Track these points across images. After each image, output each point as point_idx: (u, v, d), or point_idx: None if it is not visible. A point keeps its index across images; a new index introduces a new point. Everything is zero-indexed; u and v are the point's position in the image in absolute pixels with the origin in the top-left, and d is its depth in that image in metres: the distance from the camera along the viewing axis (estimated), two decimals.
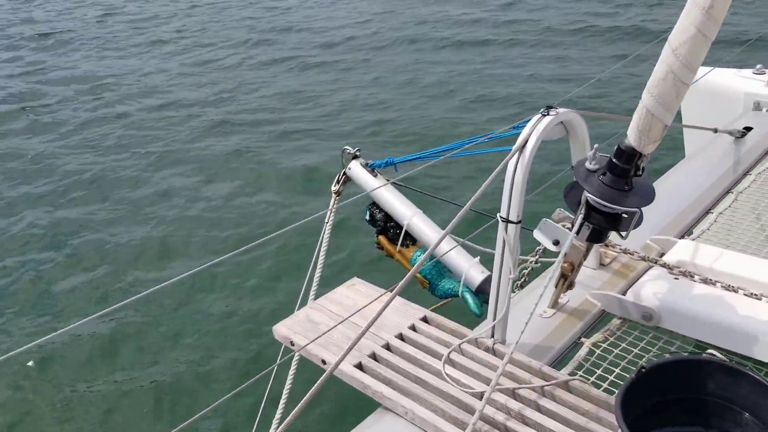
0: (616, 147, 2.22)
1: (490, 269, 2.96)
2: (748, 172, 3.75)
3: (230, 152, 9.18)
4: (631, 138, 2.16)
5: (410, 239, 3.12)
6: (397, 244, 3.11)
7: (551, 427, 2.07)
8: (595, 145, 2.27)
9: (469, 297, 2.92)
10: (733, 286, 2.59)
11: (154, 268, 6.62)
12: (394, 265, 3.20)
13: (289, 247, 6.37)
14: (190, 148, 9.44)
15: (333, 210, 3.12)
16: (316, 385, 2.01)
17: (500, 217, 2.32)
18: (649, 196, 2.24)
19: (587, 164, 2.28)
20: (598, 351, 2.51)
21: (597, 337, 2.59)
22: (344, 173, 3.16)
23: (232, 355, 5.27)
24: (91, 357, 5.47)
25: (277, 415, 2.90)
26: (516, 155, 2.27)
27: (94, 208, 7.97)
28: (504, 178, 2.28)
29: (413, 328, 2.57)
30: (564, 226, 3.04)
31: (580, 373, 2.41)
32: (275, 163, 8.72)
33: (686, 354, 2.47)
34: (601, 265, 2.94)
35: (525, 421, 2.12)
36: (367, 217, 3.20)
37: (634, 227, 2.30)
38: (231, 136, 9.76)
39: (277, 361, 2.76)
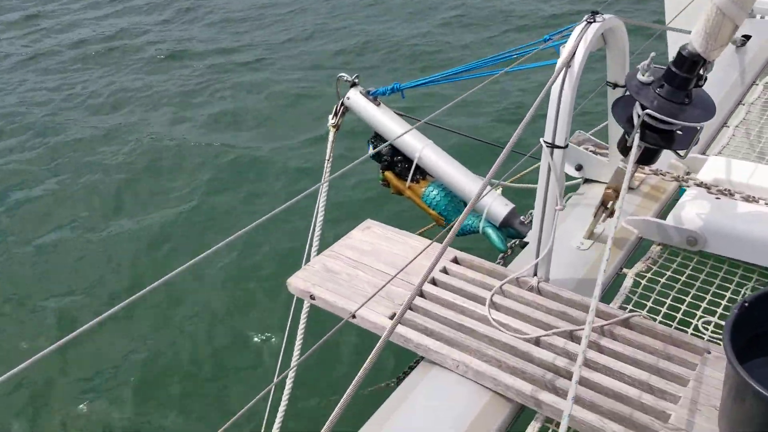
0: (676, 53, 1.97)
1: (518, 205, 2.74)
2: (755, 82, 3.58)
3: (190, 86, 8.52)
4: (696, 42, 1.90)
5: (420, 173, 2.84)
6: (405, 180, 2.82)
7: (621, 370, 1.88)
8: (651, 54, 2.01)
9: (492, 232, 2.68)
10: None
11: (109, 217, 6.13)
12: (401, 203, 2.92)
13: (284, 191, 5.95)
14: (149, 83, 8.71)
15: (332, 144, 2.80)
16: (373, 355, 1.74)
17: (544, 141, 2.05)
18: (711, 109, 2.01)
19: (640, 76, 2.02)
20: (643, 282, 2.32)
21: (639, 266, 2.40)
22: (342, 104, 2.82)
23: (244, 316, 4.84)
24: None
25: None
26: (562, 72, 1.99)
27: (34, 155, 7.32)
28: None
29: (445, 271, 2.32)
30: (586, 149, 2.82)
31: (630, 306, 2.22)
32: (250, 93, 8.12)
33: (739, 280, 2.31)
34: (630, 188, 2.73)
35: (590, 365, 1.92)
36: (371, 152, 2.88)
37: (694, 144, 2.08)
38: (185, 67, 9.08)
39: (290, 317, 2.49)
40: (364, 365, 1.52)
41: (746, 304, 1.60)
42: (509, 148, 1.82)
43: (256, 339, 4.44)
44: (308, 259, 2.53)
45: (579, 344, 1.98)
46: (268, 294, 4.69)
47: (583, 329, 2.00)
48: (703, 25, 1.87)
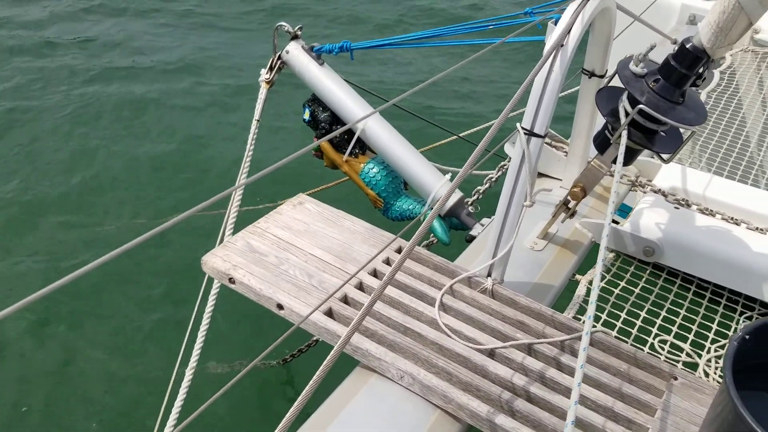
0: (677, 47, 1.76)
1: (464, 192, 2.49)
2: (698, 90, 3.52)
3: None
4: (704, 36, 1.70)
5: (360, 147, 2.52)
6: (343, 153, 2.49)
7: (587, 394, 1.67)
8: (652, 43, 1.79)
9: (436, 222, 2.41)
10: (735, 219, 2.31)
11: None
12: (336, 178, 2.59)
13: (207, 151, 5.29)
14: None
15: (263, 103, 2.41)
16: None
17: (522, 127, 1.80)
18: (702, 113, 1.83)
19: (633, 66, 1.80)
20: (597, 291, 2.14)
21: (592, 273, 2.21)
22: (279, 57, 2.44)
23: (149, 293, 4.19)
24: None
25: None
26: (555, 51, 1.73)
27: None
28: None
29: (388, 262, 2.03)
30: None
31: (584, 317, 2.03)
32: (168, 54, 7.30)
33: (693, 297, 2.18)
34: None
35: (548, 384, 1.70)
36: (307, 117, 2.53)
37: (680, 150, 1.90)
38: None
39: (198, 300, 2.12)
40: (316, 376, 1.22)
41: (746, 336, 1.42)
42: (486, 143, 1.54)
43: (159, 325, 3.91)
44: (224, 236, 2.17)
45: (539, 359, 1.77)
46: (178, 270, 4.17)
47: (542, 342, 1.79)
48: (717, 18, 1.67)
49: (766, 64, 3.81)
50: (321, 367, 1.25)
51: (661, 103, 1.77)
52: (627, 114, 1.81)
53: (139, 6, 8.32)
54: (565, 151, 2.59)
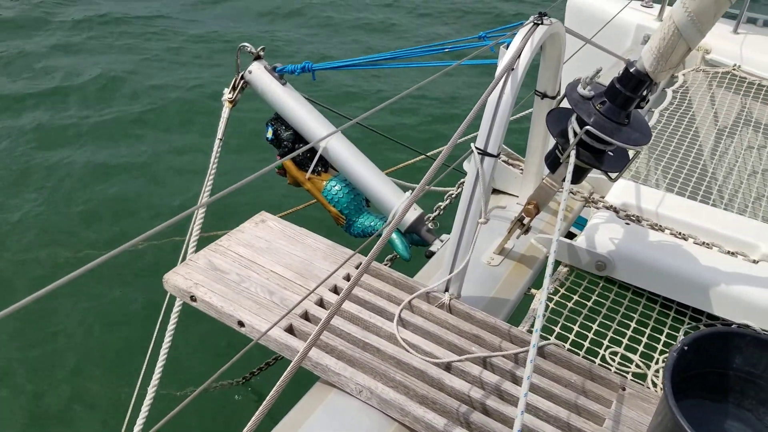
0: (622, 71, 1.85)
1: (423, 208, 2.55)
2: (650, 108, 3.64)
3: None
4: (646, 61, 1.79)
5: (322, 165, 2.57)
6: (306, 171, 2.54)
7: (536, 404, 1.73)
8: (598, 67, 1.88)
9: (396, 238, 2.47)
10: (682, 234, 2.40)
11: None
12: (301, 196, 2.63)
13: (169, 170, 5.24)
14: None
15: (226, 122, 2.45)
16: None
17: (476, 147, 1.87)
18: (647, 133, 1.92)
19: (581, 89, 1.89)
20: (551, 305, 2.21)
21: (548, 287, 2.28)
22: (242, 77, 2.48)
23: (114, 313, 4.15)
24: None
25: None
26: (506, 74, 1.80)
27: None
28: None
29: (348, 278, 2.07)
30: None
31: (539, 331, 2.09)
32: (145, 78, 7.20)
33: (643, 310, 2.26)
34: None
35: (503, 396, 1.76)
36: (269, 136, 2.57)
37: (627, 169, 1.98)
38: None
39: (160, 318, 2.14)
40: (273, 391, 1.26)
41: (685, 348, 1.50)
42: (441, 160, 1.60)
43: (120, 346, 3.88)
44: (186, 254, 2.19)
45: (494, 372, 1.82)
46: (142, 288, 4.14)
47: (497, 356, 1.85)
48: (658, 44, 1.76)
49: (717, 83, 3.96)
50: (278, 383, 1.28)
51: (607, 125, 1.85)
52: (575, 134, 1.89)
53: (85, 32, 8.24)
54: (521, 169, 2.67)
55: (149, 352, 2.50)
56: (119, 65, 7.07)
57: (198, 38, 7.76)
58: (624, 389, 1.80)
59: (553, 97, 2.28)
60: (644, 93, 1.85)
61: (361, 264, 2.13)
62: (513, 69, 1.83)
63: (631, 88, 1.83)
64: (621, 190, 2.60)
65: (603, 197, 2.60)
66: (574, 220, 2.66)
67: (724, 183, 3.11)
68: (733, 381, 1.62)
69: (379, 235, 2.55)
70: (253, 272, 2.02)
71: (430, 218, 2.68)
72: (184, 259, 2.19)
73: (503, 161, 2.68)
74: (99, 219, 4.85)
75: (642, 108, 1.90)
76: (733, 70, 4.03)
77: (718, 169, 3.17)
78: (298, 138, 2.53)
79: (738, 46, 4.17)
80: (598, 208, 2.53)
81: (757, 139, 3.57)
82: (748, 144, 3.54)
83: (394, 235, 2.48)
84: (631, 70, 1.82)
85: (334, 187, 2.53)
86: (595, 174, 2.72)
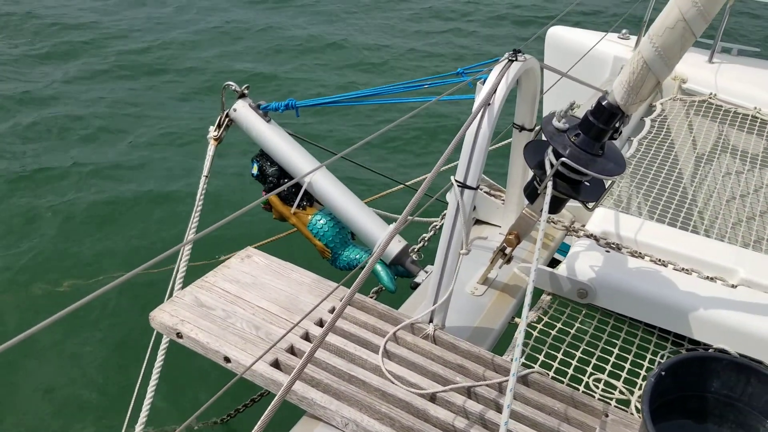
0: (594, 104, 1.91)
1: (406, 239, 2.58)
2: (629, 138, 3.72)
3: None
4: (618, 94, 1.86)
5: (307, 199, 2.60)
6: (291, 205, 2.57)
7: None
8: (572, 101, 1.94)
9: (381, 270, 2.50)
10: (662, 260, 2.45)
11: None
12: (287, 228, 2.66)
13: (154, 207, 5.29)
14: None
15: (212, 159, 2.49)
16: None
17: (456, 180, 1.91)
18: (622, 163, 1.97)
19: (556, 122, 1.94)
20: (534, 333, 2.24)
21: (531, 316, 2.32)
22: (227, 115, 2.53)
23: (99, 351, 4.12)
24: None
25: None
26: (482, 110, 1.86)
27: None
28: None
29: (333, 311, 2.09)
30: (481, 189, 2.73)
31: (523, 359, 2.12)
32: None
33: (625, 336, 2.29)
34: None
35: (487, 425, 1.78)
36: (255, 172, 2.61)
37: (603, 198, 2.03)
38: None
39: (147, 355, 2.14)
40: (257, 426, 1.28)
41: (662, 373, 1.53)
42: (422, 191, 1.65)
43: (108, 383, 3.86)
44: (173, 291, 2.21)
45: (478, 402, 1.84)
46: (127, 325, 4.13)
47: (481, 385, 1.87)
48: (628, 78, 1.82)
49: (694, 111, 4.05)
50: (263, 417, 1.30)
51: (582, 156, 1.90)
52: (552, 166, 1.94)
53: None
54: (503, 200, 2.71)
55: (136, 390, 2.50)
56: (103, 102, 7.15)
57: (184, 74, 7.84)
58: (607, 416, 1.82)
59: (531, 130, 2.34)
60: (617, 125, 1.91)
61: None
62: (489, 104, 1.89)
63: (603, 121, 1.89)
64: (601, 219, 2.65)
65: (584, 226, 2.65)
66: (556, 248, 2.70)
67: (704, 208, 3.17)
68: (713, 404, 1.65)
69: (363, 267, 2.58)
70: (239, 308, 2.04)
71: (415, 249, 2.71)
72: (170, 295, 2.21)
73: (485, 192, 2.73)
74: (85, 254, 4.86)
75: (615, 139, 1.96)
76: (709, 98, 4.12)
77: (698, 194, 3.23)
78: (283, 173, 2.57)
79: (713, 75, 4.27)
80: (578, 237, 2.57)
81: (734, 165, 3.65)
82: (726, 170, 3.62)
83: (379, 267, 2.51)
84: (604, 104, 1.88)
85: (319, 221, 2.56)
86: (575, 203, 2.78)
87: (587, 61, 4.44)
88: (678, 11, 1.72)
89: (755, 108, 4.00)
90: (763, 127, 3.86)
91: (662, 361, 2.21)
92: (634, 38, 4.61)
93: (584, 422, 1.80)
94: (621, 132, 1.94)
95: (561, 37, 4.78)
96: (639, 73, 1.80)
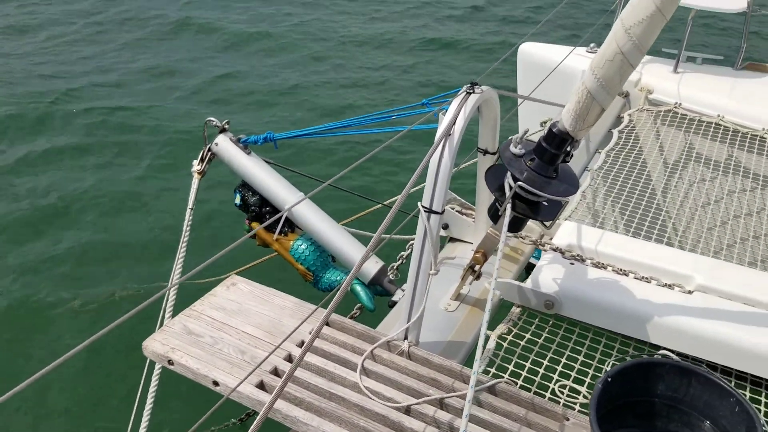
0: (546, 130, 2.07)
1: (382, 259, 2.73)
2: (597, 150, 3.88)
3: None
4: (566, 121, 2.02)
5: (288, 226, 2.75)
6: (273, 232, 2.72)
7: None
8: (526, 129, 2.10)
9: (360, 290, 2.65)
10: (623, 270, 2.60)
11: None
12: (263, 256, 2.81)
13: (142, 238, 5.45)
14: None
15: (196, 192, 2.64)
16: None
17: (422, 206, 2.06)
18: (575, 184, 2.13)
19: (513, 148, 2.10)
20: (505, 344, 2.39)
21: (501, 328, 2.47)
22: (209, 149, 2.68)
23: (93, 382, 4.26)
24: None
25: None
26: (443, 140, 2.02)
27: None
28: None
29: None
30: (452, 208, 2.89)
31: (493, 370, 2.27)
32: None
33: (590, 343, 2.45)
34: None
35: None
36: (238, 202, 2.76)
37: (558, 217, 2.19)
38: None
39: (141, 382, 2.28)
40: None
41: (609, 379, 1.68)
42: (396, 208, 1.81)
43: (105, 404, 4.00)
44: (162, 320, 2.35)
45: (449, 412, 1.99)
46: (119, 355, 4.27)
47: (451, 396, 2.01)
48: (574, 106, 1.98)
49: (660, 121, 4.22)
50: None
51: (537, 179, 2.06)
52: (511, 189, 2.10)
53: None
54: (474, 218, 2.87)
55: (132, 416, 2.63)
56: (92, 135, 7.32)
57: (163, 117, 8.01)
58: (567, 419, 1.97)
59: (494, 153, 2.49)
60: (568, 149, 2.07)
61: (331, 318, 2.29)
62: (450, 134, 2.04)
63: (555, 146, 2.04)
64: (566, 232, 2.81)
65: (551, 239, 2.81)
66: (525, 262, 2.85)
67: (672, 216, 3.33)
68: (659, 407, 1.81)
69: (348, 290, 2.73)
70: (226, 334, 2.18)
71: (394, 267, 2.86)
72: (161, 324, 2.35)
73: (457, 212, 2.89)
74: (81, 283, 5.00)
75: (567, 162, 2.12)
76: (674, 108, 4.30)
77: (664, 203, 3.39)
78: (265, 202, 2.72)
79: (678, 85, 4.45)
80: (545, 250, 2.73)
81: (699, 173, 3.82)
82: (690, 179, 3.79)
83: (358, 288, 2.66)
84: (554, 130, 2.04)
85: (300, 246, 2.71)
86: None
87: (557, 76, 4.61)
88: (616, 45, 1.88)
89: (718, 115, 4.17)
90: (726, 134, 4.03)
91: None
92: None
93: (547, 426, 1.95)
94: (572, 155, 2.10)
95: (531, 53, 4.96)
96: (584, 102, 1.96)
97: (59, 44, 9.81)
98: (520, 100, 4.38)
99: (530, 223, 2.95)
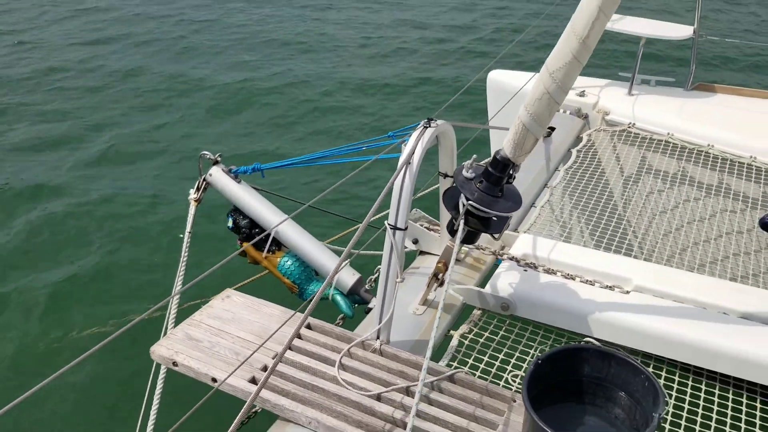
0: (492, 157, 2.44)
1: (360, 271, 3.09)
2: (556, 168, 4.27)
3: None
4: (507, 150, 2.39)
5: (275, 245, 3.11)
6: (262, 251, 3.08)
7: (446, 419, 2.24)
8: (473, 156, 2.47)
9: (340, 300, 3.00)
10: (570, 275, 2.97)
11: None
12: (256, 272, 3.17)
13: (142, 261, 5.88)
14: None
15: (193, 217, 3.00)
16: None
17: (388, 224, 2.42)
18: (518, 201, 2.50)
19: (465, 172, 2.47)
20: (466, 342, 2.74)
21: (463, 328, 2.82)
22: (204, 179, 3.05)
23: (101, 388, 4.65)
24: None
25: None
26: (404, 168, 2.38)
27: None
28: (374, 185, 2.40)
29: (299, 336, 2.59)
30: (421, 225, 3.25)
31: (455, 363, 2.62)
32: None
33: (541, 339, 2.80)
34: (457, 260, 3.19)
35: (421, 415, 2.27)
36: (230, 225, 3.12)
37: (506, 230, 2.55)
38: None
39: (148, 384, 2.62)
40: (236, 421, 1.76)
41: (539, 362, 2.04)
42: (363, 228, 2.17)
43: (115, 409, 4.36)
44: (167, 329, 2.70)
45: (412, 397, 2.34)
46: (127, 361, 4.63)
47: (415, 384, 2.36)
48: (512, 137, 2.35)
49: (615, 140, 4.62)
50: (239, 414, 1.78)
51: (485, 199, 2.42)
52: (464, 207, 2.46)
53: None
54: (440, 233, 3.24)
55: (140, 417, 2.96)
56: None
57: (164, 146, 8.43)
58: (514, 401, 2.32)
59: (453, 177, 2.86)
60: (510, 172, 2.44)
61: (309, 324, 2.65)
62: (410, 162, 2.41)
63: (499, 170, 2.41)
64: (522, 243, 3.18)
65: (509, 250, 3.17)
66: (487, 271, 3.21)
67: (633, 225, 3.71)
68: (587, 386, 2.16)
69: (329, 299, 3.08)
70: (222, 339, 2.53)
71: (371, 279, 3.22)
72: (165, 332, 2.69)
73: (426, 228, 3.25)
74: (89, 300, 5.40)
75: (511, 183, 2.48)
76: (629, 127, 4.70)
77: (621, 213, 3.77)
78: (254, 224, 3.08)
79: (632, 106, 4.86)
80: (504, 259, 3.09)
81: (650, 185, 4.21)
82: (645, 190, 4.17)
83: (339, 298, 3.01)
84: (498, 157, 2.41)
85: (286, 262, 3.06)
86: (507, 232, 3.30)
87: (519, 99, 5.01)
88: (543, 86, 2.26)
89: (668, 133, 4.57)
90: (675, 150, 4.43)
91: None
92: None
93: (497, 407, 2.30)
94: (514, 177, 2.47)
95: (499, 80, 5.36)
96: (520, 133, 2.34)
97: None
98: (490, 125, 4.77)
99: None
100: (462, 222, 2.46)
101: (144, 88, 10.11)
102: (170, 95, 9.86)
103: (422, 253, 3.27)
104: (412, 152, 2.41)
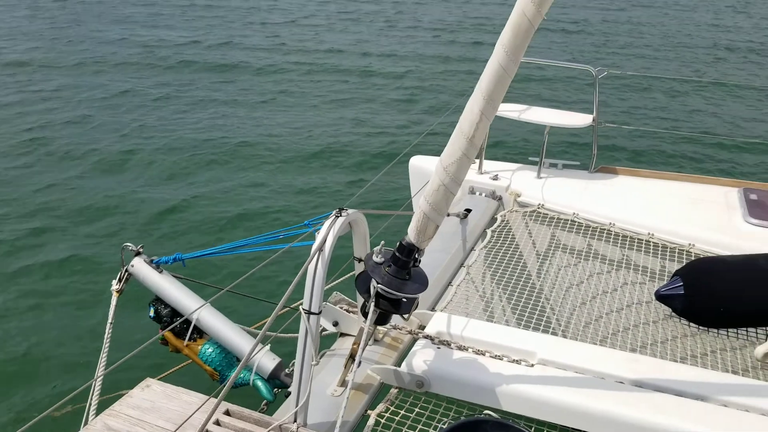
0: (398, 243, 2.63)
1: (285, 356, 3.18)
2: (473, 248, 4.51)
3: None
4: (411, 236, 2.59)
5: (196, 332, 3.18)
6: (183, 339, 3.14)
7: None
8: (381, 242, 2.65)
9: (261, 384, 3.07)
10: (480, 350, 3.14)
11: None
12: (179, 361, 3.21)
13: (67, 351, 5.76)
14: None
15: (114, 308, 3.05)
16: None
17: (303, 309, 2.56)
18: (425, 283, 2.68)
19: (374, 257, 2.64)
20: (383, 421, 2.85)
21: (380, 407, 2.93)
22: (126, 270, 3.12)
23: None
24: None
25: None
26: (317, 255, 2.54)
27: None
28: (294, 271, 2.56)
29: (218, 423, 2.64)
30: (341, 308, 3.39)
31: None
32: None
33: (454, 414, 2.93)
34: (375, 340, 3.33)
35: None
36: (152, 314, 3.18)
37: (414, 310, 2.72)
38: None
39: None
40: None
41: None
42: (278, 310, 2.29)
43: None
44: (87, 420, 2.70)
45: None
46: None
47: None
48: (415, 224, 2.56)
49: (527, 220, 4.92)
50: None
51: (394, 282, 2.60)
52: (374, 289, 2.62)
53: None
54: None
55: None
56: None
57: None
58: None
59: None
60: (416, 256, 2.63)
61: (228, 410, 2.71)
62: (322, 249, 2.57)
63: (405, 255, 2.60)
64: (436, 321, 3.35)
65: (423, 328, 3.34)
66: (405, 350, 3.35)
67: (545, 300, 3.93)
68: None
69: (251, 385, 3.15)
70: (141, 429, 2.56)
71: (292, 363, 3.31)
72: (86, 423, 2.69)
73: (345, 310, 3.39)
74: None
75: (418, 266, 2.67)
76: (538, 208, 5.03)
77: (534, 288, 4.00)
78: (175, 313, 3.14)
79: (541, 189, 5.21)
80: (419, 338, 3.25)
81: (564, 262, 4.48)
82: (553, 266, 4.44)
83: (259, 383, 3.08)
84: (403, 243, 2.60)
85: (207, 350, 3.13)
86: (420, 310, 3.47)
87: None
88: (438, 180, 2.49)
89: (574, 213, 4.92)
90: (580, 229, 4.76)
91: None
92: (477, 161, 5.53)
93: None
94: (420, 261, 2.66)
95: (419, 166, 5.67)
96: (422, 221, 2.55)
97: None
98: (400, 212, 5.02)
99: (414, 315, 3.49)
100: (373, 304, 2.61)
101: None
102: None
103: (342, 334, 3.39)
104: (324, 240, 2.58)
